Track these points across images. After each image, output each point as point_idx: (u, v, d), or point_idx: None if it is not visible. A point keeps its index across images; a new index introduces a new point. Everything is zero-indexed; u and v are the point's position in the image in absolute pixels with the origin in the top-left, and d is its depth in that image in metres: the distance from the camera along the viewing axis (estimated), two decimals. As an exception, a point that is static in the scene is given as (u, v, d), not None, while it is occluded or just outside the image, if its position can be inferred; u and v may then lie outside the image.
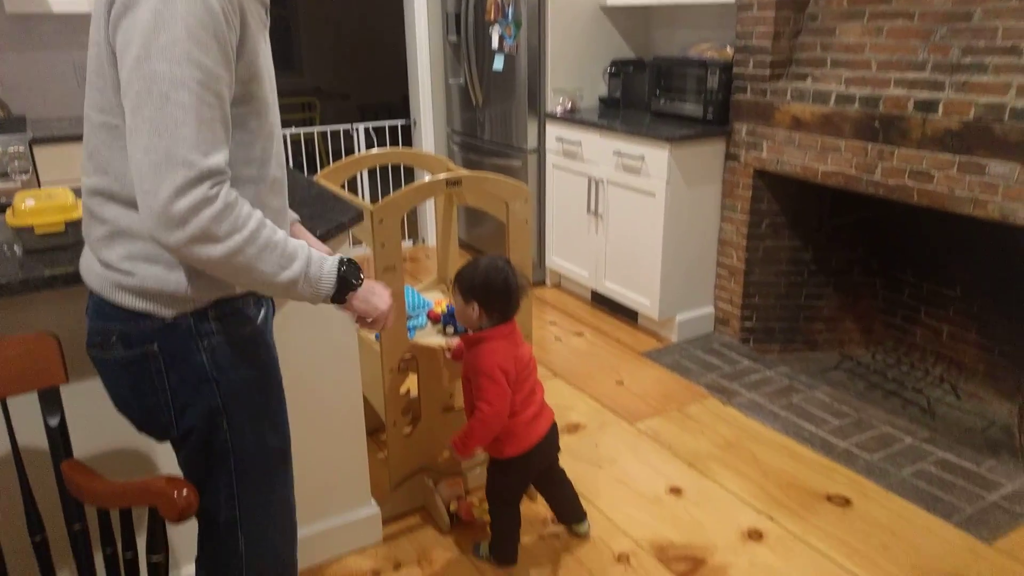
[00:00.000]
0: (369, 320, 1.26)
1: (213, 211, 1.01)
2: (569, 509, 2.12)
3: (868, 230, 3.21)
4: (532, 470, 1.99)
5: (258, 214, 1.08)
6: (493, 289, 1.85)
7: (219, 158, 1.02)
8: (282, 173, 1.23)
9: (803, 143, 2.89)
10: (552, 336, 3.48)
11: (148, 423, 1.21)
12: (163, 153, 0.98)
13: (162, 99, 0.97)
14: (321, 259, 1.16)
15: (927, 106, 2.46)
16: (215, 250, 1.03)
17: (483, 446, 1.92)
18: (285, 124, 4.29)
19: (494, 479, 1.99)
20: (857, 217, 3.19)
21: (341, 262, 1.18)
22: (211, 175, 1.01)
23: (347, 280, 1.18)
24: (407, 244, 4.80)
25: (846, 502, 2.28)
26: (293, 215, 1.42)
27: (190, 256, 1.03)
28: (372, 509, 2.10)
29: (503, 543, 2.02)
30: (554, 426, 1.99)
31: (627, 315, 3.63)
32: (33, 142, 3.17)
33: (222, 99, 1.03)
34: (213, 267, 1.05)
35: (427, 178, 2.08)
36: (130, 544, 1.25)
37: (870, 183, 2.67)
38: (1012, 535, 2.12)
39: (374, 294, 1.25)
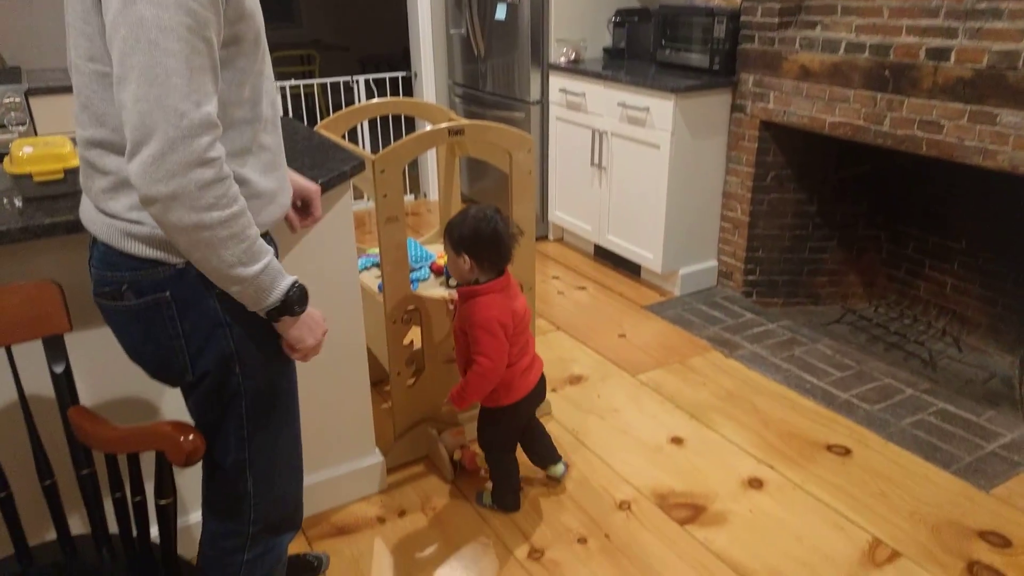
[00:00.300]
0: (295, 346, 1.24)
1: (203, 177, 0.99)
2: (544, 452, 2.15)
3: (874, 184, 3.17)
4: (522, 417, 2.02)
5: (243, 201, 1.06)
6: (482, 239, 1.82)
7: (210, 108, 1.00)
8: (274, 112, 1.22)
9: (811, 93, 2.84)
10: (555, 290, 3.48)
11: (162, 369, 1.21)
12: (154, 102, 0.95)
13: (151, 46, 0.95)
14: (277, 273, 1.13)
15: (939, 54, 2.40)
16: (187, 216, 1.00)
17: (480, 399, 1.94)
18: (284, 77, 4.22)
19: (486, 430, 2.02)
20: (863, 170, 3.15)
21: (292, 285, 1.16)
22: (203, 127, 0.99)
23: (289, 304, 1.16)
24: (409, 198, 4.77)
25: (846, 452, 2.30)
26: None
27: (160, 212, 1.00)
28: (376, 458, 2.13)
29: (504, 490, 2.05)
30: (543, 375, 2.02)
31: (630, 269, 3.62)
32: (29, 93, 3.12)
33: (211, 45, 1.01)
34: (176, 232, 1.02)
35: (429, 128, 2.06)
36: (139, 489, 1.26)
37: (878, 134, 2.63)
38: (1009, 483, 2.14)
39: (308, 327, 1.23)
